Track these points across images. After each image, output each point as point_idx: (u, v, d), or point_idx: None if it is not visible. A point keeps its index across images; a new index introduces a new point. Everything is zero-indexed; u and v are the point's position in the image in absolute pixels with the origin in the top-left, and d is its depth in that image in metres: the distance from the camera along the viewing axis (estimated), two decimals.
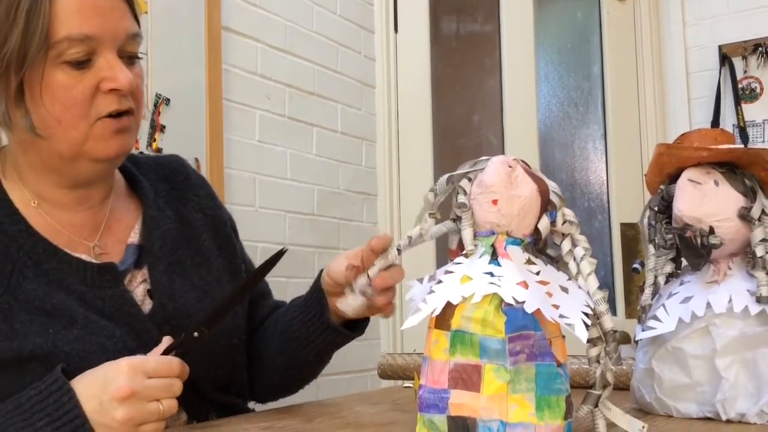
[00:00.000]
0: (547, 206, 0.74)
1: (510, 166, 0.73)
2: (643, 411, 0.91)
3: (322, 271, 0.99)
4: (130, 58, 0.89)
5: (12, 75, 0.83)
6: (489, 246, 0.73)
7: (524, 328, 0.67)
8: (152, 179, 1.04)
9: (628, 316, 2.67)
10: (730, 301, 0.85)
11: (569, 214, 0.74)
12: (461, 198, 0.75)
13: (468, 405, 0.67)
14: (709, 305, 0.86)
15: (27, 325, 0.83)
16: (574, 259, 0.73)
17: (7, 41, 0.82)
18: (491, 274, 0.70)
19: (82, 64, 0.84)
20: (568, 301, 0.69)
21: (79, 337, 0.84)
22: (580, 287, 0.72)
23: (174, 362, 0.79)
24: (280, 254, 0.87)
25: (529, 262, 0.72)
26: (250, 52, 2.09)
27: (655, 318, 0.89)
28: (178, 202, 1.04)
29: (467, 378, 0.68)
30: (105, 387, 0.75)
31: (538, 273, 0.71)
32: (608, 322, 0.71)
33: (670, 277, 0.94)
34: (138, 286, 0.93)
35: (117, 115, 0.87)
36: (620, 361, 0.72)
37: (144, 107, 0.94)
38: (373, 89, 2.55)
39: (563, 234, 0.74)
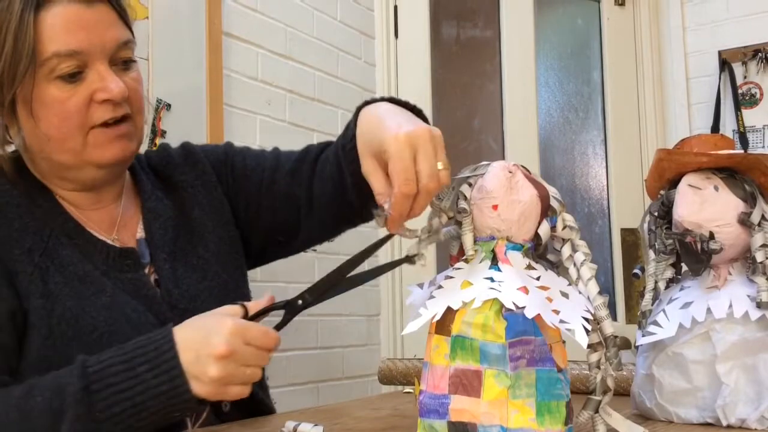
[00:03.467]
0: (547, 211, 0.74)
1: (510, 172, 0.73)
2: (643, 417, 0.91)
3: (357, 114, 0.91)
4: (125, 63, 0.92)
5: (4, 93, 0.88)
6: (489, 251, 0.73)
7: (524, 333, 0.67)
8: (147, 172, 1.08)
9: (628, 322, 2.67)
10: (731, 306, 0.85)
11: (569, 219, 0.74)
12: (461, 203, 0.75)
13: (468, 410, 0.67)
14: (709, 310, 0.86)
15: (60, 287, 0.88)
16: (575, 264, 0.73)
17: None
18: (491, 280, 0.70)
19: (74, 77, 0.88)
20: (569, 307, 0.69)
21: (106, 305, 0.89)
22: (580, 292, 0.72)
23: (272, 335, 0.81)
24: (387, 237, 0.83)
25: (529, 267, 0.72)
26: (251, 58, 2.09)
27: (656, 323, 0.89)
28: (169, 187, 1.07)
29: (467, 383, 0.68)
30: (205, 341, 0.78)
31: (538, 278, 0.71)
32: (608, 327, 0.71)
33: (670, 282, 0.94)
34: (150, 276, 0.98)
35: (114, 123, 0.91)
36: (620, 367, 0.72)
37: (144, 110, 0.97)
38: (374, 94, 2.55)
39: (563, 239, 0.74)
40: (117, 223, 0.99)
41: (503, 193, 0.73)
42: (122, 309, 0.90)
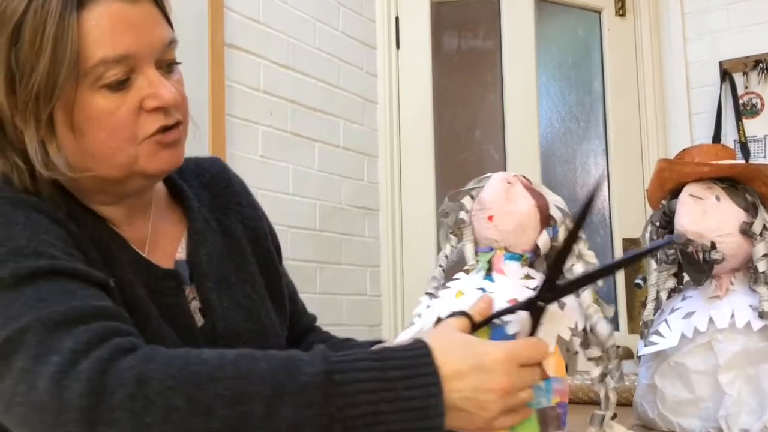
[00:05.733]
0: (548, 222, 0.74)
1: (509, 183, 0.74)
2: (646, 427, 0.91)
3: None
4: (168, 65, 0.84)
5: (41, 107, 0.76)
6: (486, 261, 0.74)
7: None
8: (195, 186, 0.98)
9: (630, 332, 2.66)
10: (733, 316, 0.85)
11: None
12: (461, 215, 0.76)
13: None
14: (711, 320, 0.86)
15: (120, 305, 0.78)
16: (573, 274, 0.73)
17: (33, 72, 0.75)
18: (483, 290, 0.71)
19: (121, 85, 0.78)
20: (557, 317, 0.70)
21: (149, 337, 0.77)
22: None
23: (542, 346, 0.70)
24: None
25: (527, 277, 0.72)
26: (253, 69, 2.10)
27: (658, 333, 0.89)
28: (220, 212, 0.98)
29: None
30: (481, 375, 0.67)
31: (534, 288, 0.71)
32: (603, 329, 0.70)
33: (672, 292, 0.94)
34: (190, 302, 0.89)
35: (164, 129, 0.82)
36: (623, 379, 0.72)
37: (189, 114, 0.88)
38: (375, 105, 2.56)
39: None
40: (147, 241, 0.89)
41: (499, 204, 0.74)
42: (162, 343, 0.77)
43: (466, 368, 0.67)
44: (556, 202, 0.75)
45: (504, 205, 0.73)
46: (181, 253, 0.92)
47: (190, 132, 0.92)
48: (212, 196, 0.99)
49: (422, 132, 2.55)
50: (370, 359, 0.67)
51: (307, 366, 0.65)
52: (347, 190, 2.42)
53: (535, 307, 0.71)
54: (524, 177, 0.76)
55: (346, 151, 2.42)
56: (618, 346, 0.71)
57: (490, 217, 0.74)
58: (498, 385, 0.67)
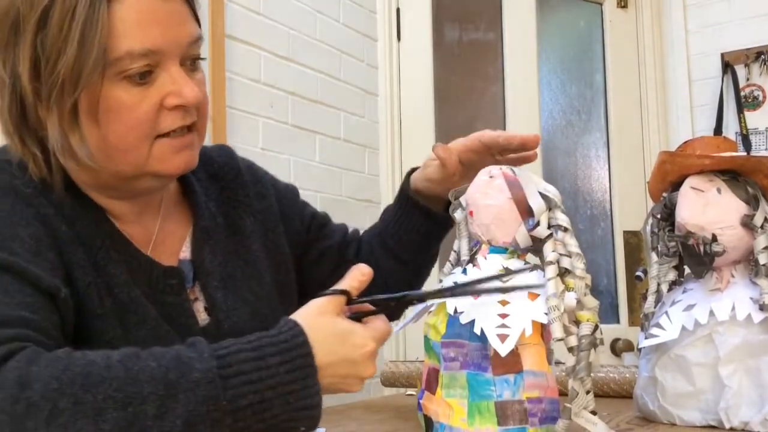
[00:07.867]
0: (530, 213, 0.74)
1: (491, 176, 0.76)
2: (646, 419, 0.91)
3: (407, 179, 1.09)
4: (192, 63, 0.83)
5: (66, 96, 0.75)
6: (471, 256, 0.77)
7: (459, 336, 0.71)
8: (202, 178, 0.98)
9: (631, 324, 2.66)
10: (733, 308, 0.85)
11: (561, 218, 0.74)
12: (458, 212, 0.79)
13: (428, 405, 0.73)
14: (712, 313, 0.86)
15: (108, 311, 0.80)
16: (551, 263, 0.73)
17: (60, 58, 0.74)
18: (455, 283, 0.73)
19: (144, 79, 0.78)
20: (522, 312, 0.69)
21: (146, 339, 0.79)
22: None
23: (390, 332, 0.75)
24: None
25: (505, 270, 0.73)
26: (254, 60, 2.10)
27: (658, 326, 0.89)
28: (228, 206, 0.98)
29: (432, 380, 0.73)
30: (351, 366, 0.73)
31: (506, 281, 0.72)
32: (556, 331, 0.69)
33: (673, 284, 0.94)
34: (194, 303, 0.89)
35: (179, 131, 0.82)
36: (586, 372, 0.69)
37: (208, 117, 0.87)
38: (376, 97, 2.55)
39: (555, 241, 0.74)
40: (153, 238, 0.89)
41: (478, 199, 0.76)
42: (161, 343, 0.76)
43: (338, 360, 0.72)
44: (543, 191, 0.75)
45: (482, 199, 0.75)
46: (185, 252, 0.92)
47: None
48: (221, 188, 0.98)
49: (423, 124, 2.55)
50: (250, 349, 0.69)
51: (197, 362, 0.66)
52: (348, 182, 2.42)
53: (405, 302, 0.74)
54: (511, 169, 0.77)
55: (346, 143, 2.42)
56: (582, 338, 0.69)
57: (471, 212, 0.76)
58: (365, 374, 0.74)
